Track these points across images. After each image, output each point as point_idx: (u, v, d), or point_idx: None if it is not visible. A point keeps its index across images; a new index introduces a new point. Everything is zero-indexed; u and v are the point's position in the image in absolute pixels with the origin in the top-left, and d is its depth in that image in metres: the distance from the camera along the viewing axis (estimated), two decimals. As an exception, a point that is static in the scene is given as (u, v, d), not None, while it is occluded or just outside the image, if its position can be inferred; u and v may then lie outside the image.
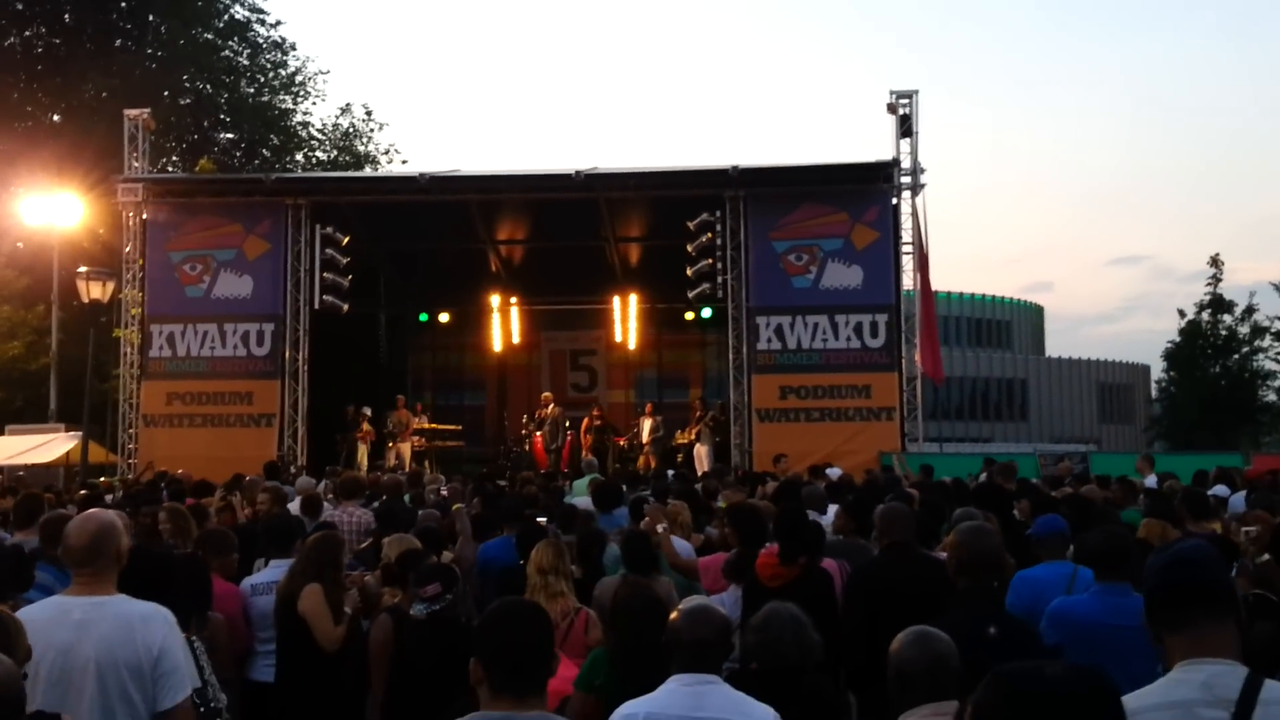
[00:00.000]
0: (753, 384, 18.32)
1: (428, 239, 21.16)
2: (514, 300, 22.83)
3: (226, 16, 34.83)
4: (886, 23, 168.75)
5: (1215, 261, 40.43)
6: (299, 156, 36.24)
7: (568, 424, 20.41)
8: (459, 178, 19.86)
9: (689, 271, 18.74)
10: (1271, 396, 40.63)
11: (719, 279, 18.46)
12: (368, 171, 34.62)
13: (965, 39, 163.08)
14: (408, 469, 17.30)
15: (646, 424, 20.21)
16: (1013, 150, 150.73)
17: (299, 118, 37.04)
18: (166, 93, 31.15)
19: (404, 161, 38.27)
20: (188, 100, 33.23)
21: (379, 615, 5.58)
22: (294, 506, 9.77)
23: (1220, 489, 11.08)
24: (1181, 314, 41.26)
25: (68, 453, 19.84)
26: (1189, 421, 39.39)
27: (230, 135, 35.55)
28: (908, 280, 18.76)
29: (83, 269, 18.20)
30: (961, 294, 56.97)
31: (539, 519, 7.70)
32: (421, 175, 19.12)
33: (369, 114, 38.12)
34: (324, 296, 19.09)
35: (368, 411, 20.05)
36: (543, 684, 2.68)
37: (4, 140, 29.50)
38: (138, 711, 3.60)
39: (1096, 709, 1.97)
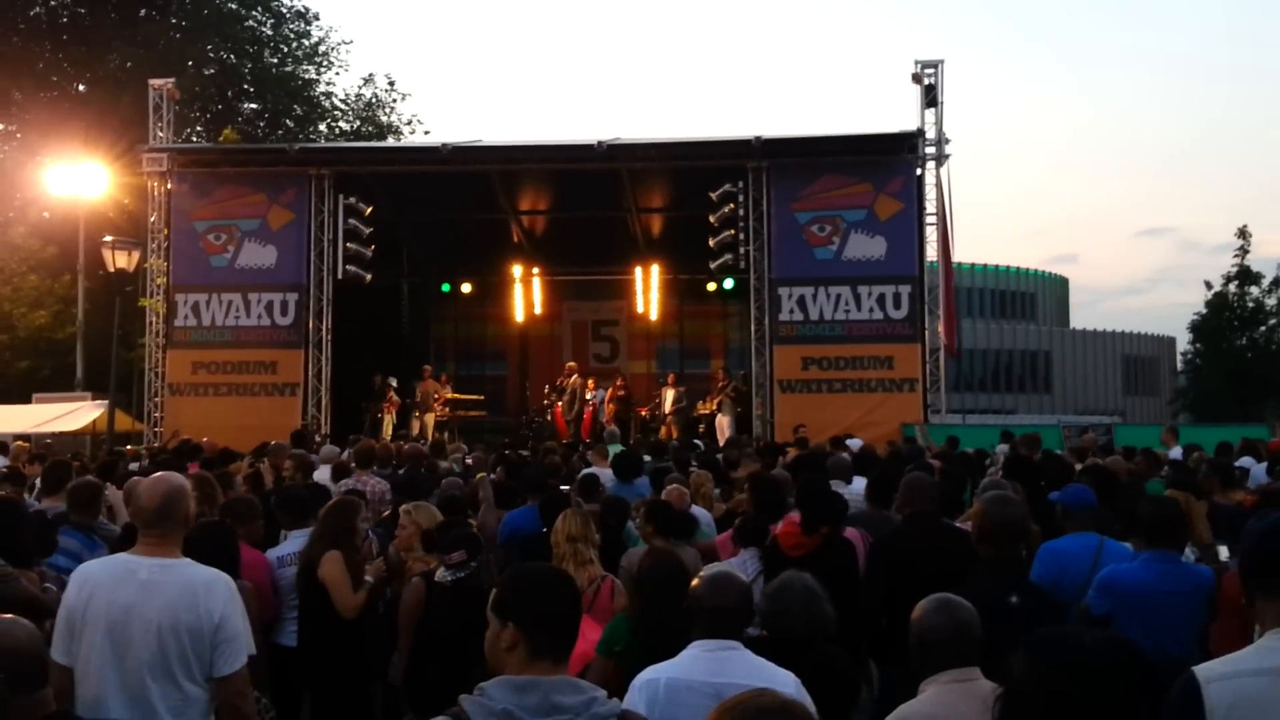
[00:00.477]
0: (774, 355, 18.28)
1: (450, 209, 21.15)
2: (536, 270, 22.86)
3: (249, -15, 34.84)
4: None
5: (1243, 233, 40.07)
6: (322, 127, 36.30)
7: (588, 395, 20.46)
8: (481, 148, 19.83)
9: (711, 242, 18.68)
10: (1298, 369, 40.27)
11: (741, 250, 18.38)
12: (391, 142, 34.60)
13: (991, 8, 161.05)
14: (430, 439, 17.41)
15: (669, 394, 20.27)
16: (1039, 121, 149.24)
17: (322, 88, 37.18)
18: (191, 63, 31.21)
19: (427, 132, 38.34)
20: (212, 70, 33.27)
21: (412, 579, 5.64)
22: (321, 475, 9.88)
23: (1246, 461, 10.99)
24: (1208, 286, 40.97)
25: (94, 421, 20.03)
26: (1214, 394, 39.12)
27: (254, 105, 35.64)
28: (931, 251, 18.63)
29: (108, 238, 18.29)
30: (986, 266, 56.55)
31: (562, 488, 7.75)
32: (444, 145, 19.09)
33: (392, 84, 38.09)
34: (347, 266, 19.15)
35: (393, 382, 20.15)
36: (570, 648, 2.69)
37: (30, 110, 29.68)
38: (194, 675, 3.65)
39: (1129, 677, 2.00)
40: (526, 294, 22.97)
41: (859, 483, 8.17)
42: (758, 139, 18.14)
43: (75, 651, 3.61)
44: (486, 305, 23.88)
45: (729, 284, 20.61)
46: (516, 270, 22.71)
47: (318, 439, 15.63)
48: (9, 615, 2.83)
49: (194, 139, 29.36)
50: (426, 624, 5.30)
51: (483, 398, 22.61)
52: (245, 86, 35.18)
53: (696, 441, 16.84)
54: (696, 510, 7.57)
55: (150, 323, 19.65)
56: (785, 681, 3.33)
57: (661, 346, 23.99)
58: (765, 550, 5.93)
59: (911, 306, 18.18)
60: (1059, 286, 63.98)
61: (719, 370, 20.81)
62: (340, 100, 37.43)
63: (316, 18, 36.63)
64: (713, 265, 18.99)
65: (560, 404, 20.51)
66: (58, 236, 27.12)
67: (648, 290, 22.14)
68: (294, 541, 6.32)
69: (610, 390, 20.60)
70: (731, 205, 18.42)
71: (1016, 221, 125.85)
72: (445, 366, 23.80)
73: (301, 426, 17.22)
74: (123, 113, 25.80)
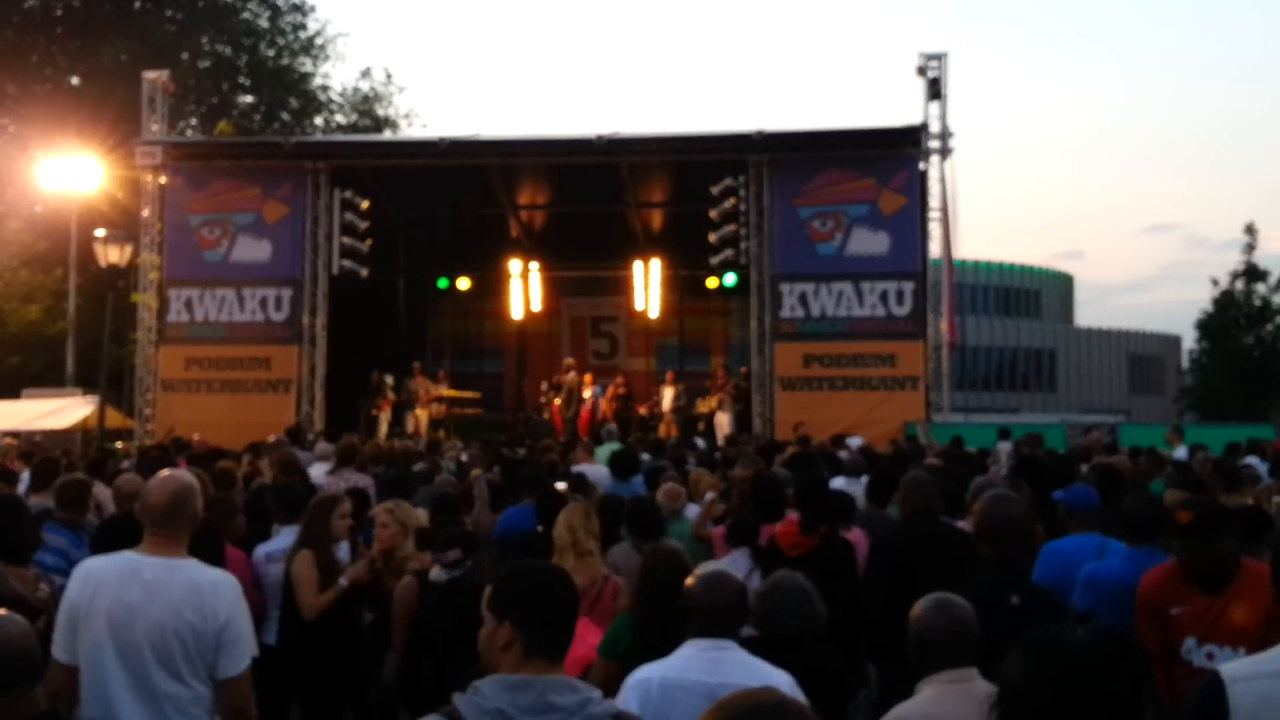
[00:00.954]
0: (775, 352, 18.11)
1: (448, 204, 21.00)
2: (534, 266, 22.69)
3: (246, -23, 34.74)
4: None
5: (1250, 230, 39.98)
6: (318, 120, 36.29)
7: (586, 392, 20.30)
8: (479, 142, 19.69)
9: (711, 237, 18.53)
10: (1304, 367, 40.14)
11: (742, 245, 18.25)
12: (388, 135, 34.48)
13: (996, 1, 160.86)
14: (423, 436, 17.26)
15: (668, 392, 20.12)
16: (1044, 116, 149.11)
17: (318, 81, 37.18)
18: (186, 55, 31.18)
19: (424, 126, 38.37)
20: (207, 63, 33.26)
21: (404, 578, 5.59)
22: (316, 472, 9.72)
23: (1252, 460, 10.83)
24: (1214, 283, 40.93)
25: (85, 418, 19.91)
26: (1220, 392, 38.98)
27: (249, 98, 35.61)
28: (935, 247, 18.47)
29: (101, 232, 18.13)
30: (989, 262, 56.36)
31: (558, 486, 7.67)
32: (441, 139, 18.96)
33: (389, 78, 38.20)
34: (343, 261, 19.03)
35: (390, 379, 20.00)
36: (565, 648, 2.67)
37: (23, 103, 29.58)
38: (198, 673, 3.65)
39: (1118, 670, 2.03)
40: (524, 290, 22.81)
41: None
42: (759, 133, 17.98)
43: (77, 649, 3.62)
44: (484, 301, 23.70)
45: (730, 280, 20.43)
46: (514, 266, 22.54)
47: (311, 436, 15.49)
48: (3, 611, 2.81)
49: (189, 132, 29.28)
50: (421, 623, 5.29)
51: (479, 395, 22.45)
52: (241, 79, 35.16)
53: (697, 440, 16.68)
54: (692, 508, 7.45)
55: (142, 318, 19.52)
56: (780, 681, 3.29)
57: (661, 343, 23.85)
58: (758, 550, 5.85)
59: (915, 303, 18.01)
60: (1063, 283, 63.79)
61: (719, 368, 20.67)
62: (337, 93, 37.55)
63: (313, 10, 36.93)
64: (713, 261, 18.84)
65: (558, 401, 20.35)
66: (50, 231, 27.01)
67: (647, 286, 21.95)
68: (283, 538, 6.27)
69: (611, 388, 20.44)
70: (732, 200, 18.27)
71: (1021, 217, 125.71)
72: (442, 363, 23.66)
73: (295, 424, 17.09)
74: (117, 106, 25.70)
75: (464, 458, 12.06)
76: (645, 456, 10.88)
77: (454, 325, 24.81)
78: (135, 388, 19.79)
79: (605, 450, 11.15)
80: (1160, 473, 9.71)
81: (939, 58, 18.43)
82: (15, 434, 16.85)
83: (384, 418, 19.81)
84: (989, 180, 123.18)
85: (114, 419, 19.94)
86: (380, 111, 37.46)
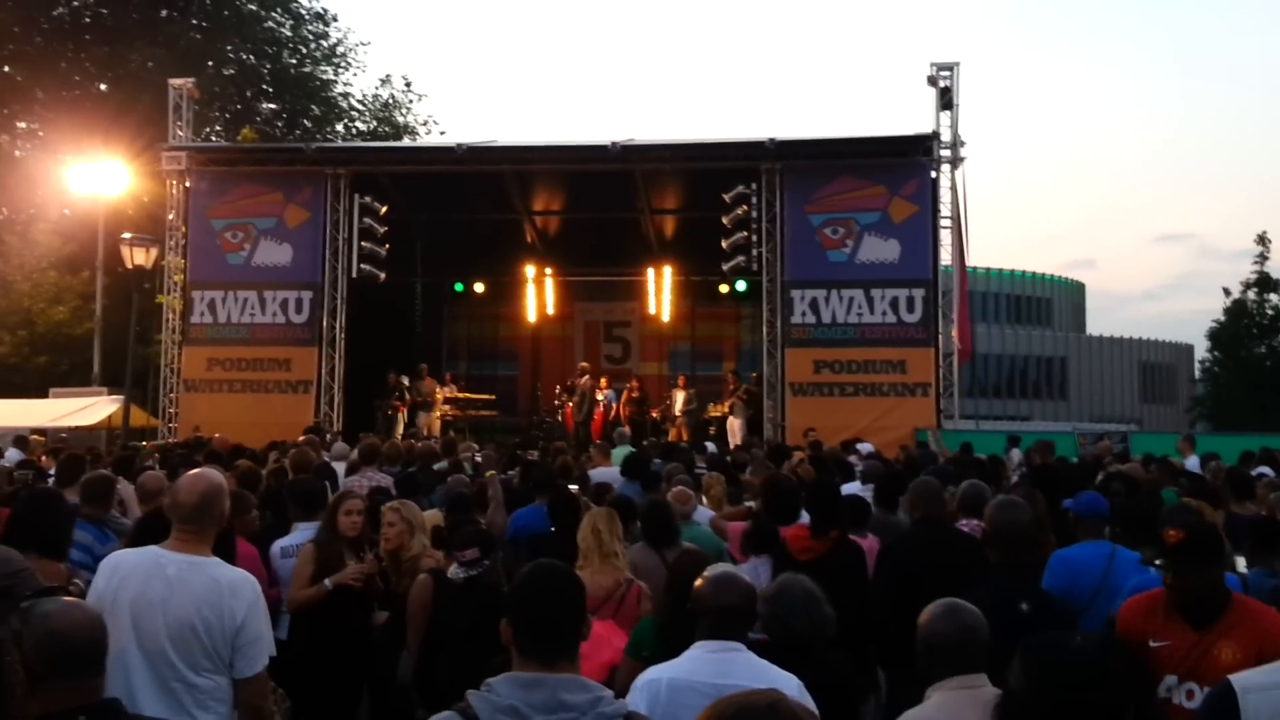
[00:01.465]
0: (786, 358, 18.25)
1: (464, 209, 21.23)
2: (549, 271, 22.90)
3: (270, -13, 35.02)
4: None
5: (1262, 239, 39.89)
6: (339, 127, 36.51)
7: (599, 395, 20.47)
8: (496, 148, 19.87)
9: (724, 244, 18.68)
10: (1318, 376, 39.99)
11: (754, 251, 18.38)
12: (406, 142, 34.72)
13: (1007, 11, 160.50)
14: (433, 437, 17.45)
15: (679, 396, 20.27)
16: (1056, 125, 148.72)
17: (339, 88, 37.42)
18: (211, 63, 31.39)
19: (442, 132, 38.60)
20: (231, 70, 33.45)
21: (419, 576, 5.60)
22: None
23: (1264, 470, 10.91)
24: (1227, 293, 40.81)
25: (110, 416, 20.18)
26: (1233, 402, 38.85)
27: (272, 105, 35.84)
28: (945, 255, 18.57)
29: (126, 235, 18.42)
30: (1001, 270, 56.32)
31: (570, 488, 7.75)
32: (459, 146, 19.15)
33: (408, 85, 38.29)
34: (362, 265, 19.26)
35: (406, 380, 20.23)
36: (572, 649, 2.67)
37: (52, 109, 29.87)
38: (218, 669, 3.70)
39: (1117, 678, 2.03)
40: (539, 294, 23.01)
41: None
42: (771, 140, 18.12)
43: None
44: (499, 305, 23.93)
45: (741, 286, 20.57)
46: (529, 270, 22.76)
47: (328, 437, 15.71)
48: (72, 599, 2.85)
49: (213, 138, 29.52)
50: (437, 621, 5.29)
51: (493, 397, 22.64)
52: (264, 86, 35.39)
53: (707, 444, 16.82)
54: (701, 511, 7.58)
55: (166, 319, 19.78)
56: (788, 685, 3.30)
57: (673, 348, 23.99)
58: (776, 556, 5.87)
59: (925, 310, 18.12)
60: (1075, 292, 63.65)
61: (730, 373, 20.79)
62: (357, 101, 37.72)
63: (335, 19, 37.02)
64: (725, 267, 18.99)
65: (571, 404, 20.52)
66: (78, 234, 27.29)
67: (660, 291, 22.14)
68: (300, 533, 6.34)
69: (625, 392, 20.61)
70: (745, 207, 18.41)
71: (1032, 226, 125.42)
72: (457, 366, 23.88)
73: (314, 423, 17.31)
74: (143, 112, 25.95)
75: (479, 458, 12.21)
76: (655, 460, 10.99)
77: (469, 328, 25.01)
78: (159, 387, 20.05)
79: (619, 453, 11.30)
80: (1171, 481, 9.76)
81: (950, 68, 18.54)
82: (43, 431, 17.14)
83: (400, 419, 20.03)
84: (1001, 188, 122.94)
85: (138, 418, 20.21)
86: (399, 118, 37.71)
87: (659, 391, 21.97)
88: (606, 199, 20.45)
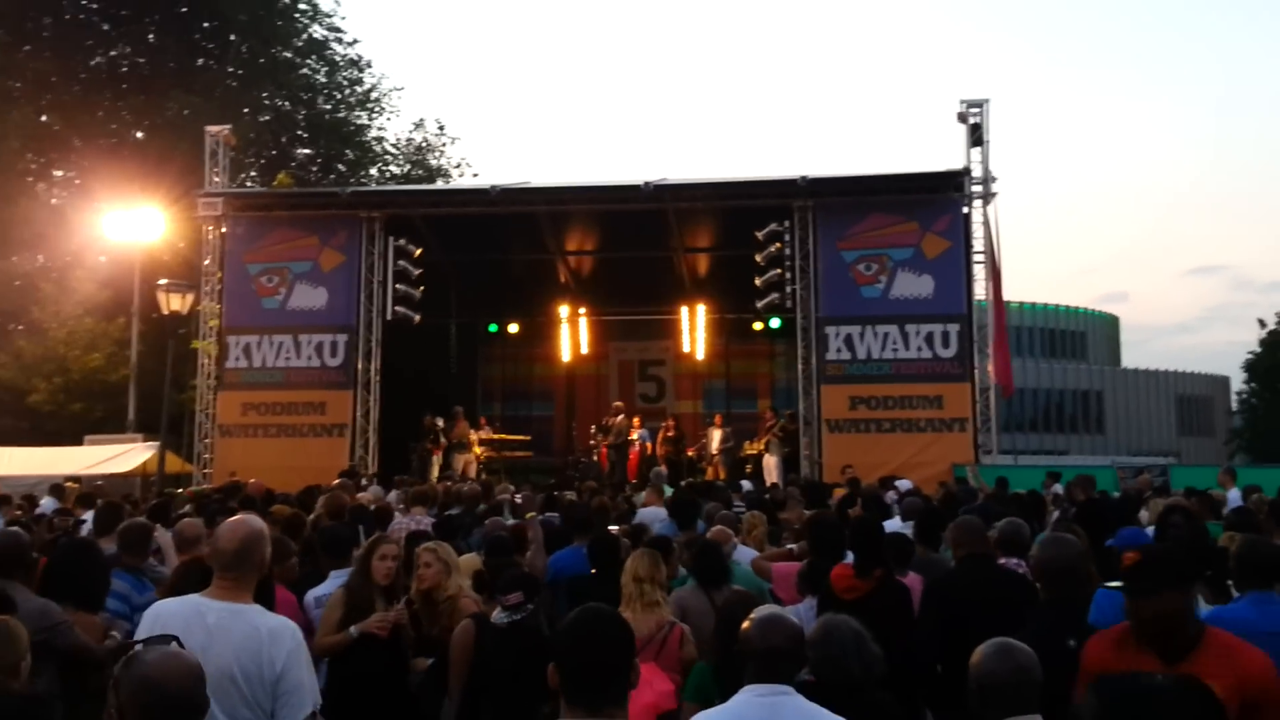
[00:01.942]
0: (822, 394, 18.17)
1: (498, 250, 21.36)
2: (582, 311, 22.96)
3: (305, 35, 35.65)
4: (958, 30, 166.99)
5: (1299, 270, 39.33)
6: (373, 171, 36.95)
7: (633, 435, 20.42)
8: (529, 189, 20.02)
9: (757, 281, 18.67)
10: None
11: (788, 289, 18.37)
12: (440, 185, 35.07)
13: (1036, 47, 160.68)
14: (468, 479, 17.44)
15: (715, 435, 20.19)
16: (1087, 158, 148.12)
17: (374, 133, 37.89)
18: (246, 110, 31.91)
19: (475, 175, 38.89)
20: (267, 117, 33.98)
21: (463, 621, 5.54)
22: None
23: (1308, 502, 10.69)
24: (1262, 324, 40.42)
25: (145, 463, 20.22)
26: (1272, 433, 38.30)
27: (307, 151, 36.34)
28: (979, 290, 18.49)
29: (163, 281, 18.65)
30: (1035, 304, 55.98)
31: (610, 529, 7.70)
32: (492, 188, 19.32)
33: (441, 129, 39.03)
34: (396, 308, 19.37)
35: (440, 422, 20.28)
36: (619, 696, 2.62)
37: (89, 157, 30.40)
38: (260, 717, 3.64)
39: (1198, 715, 1.96)
40: (573, 334, 23.07)
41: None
42: (804, 178, 18.17)
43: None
44: (533, 346, 23.99)
45: (775, 323, 20.52)
46: (563, 311, 22.83)
47: (364, 481, 15.73)
48: (173, 648, 2.78)
49: (248, 184, 29.93)
50: (480, 666, 5.22)
51: (529, 438, 22.63)
52: (299, 132, 35.92)
53: (743, 482, 16.74)
54: (742, 550, 7.52)
55: (202, 364, 19.96)
56: None
57: (708, 386, 23.94)
58: (821, 596, 5.81)
59: (960, 345, 18.01)
60: (1109, 325, 63.15)
61: (766, 410, 20.70)
62: (391, 145, 38.21)
63: (369, 65, 37.64)
64: (759, 304, 18.98)
65: (606, 444, 20.49)
66: (114, 280, 27.62)
67: (694, 330, 22.13)
68: (333, 581, 6.26)
69: (661, 431, 20.56)
70: (778, 244, 18.42)
71: (1065, 260, 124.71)
72: (492, 406, 23.93)
73: (350, 467, 17.34)
74: (180, 159, 26.36)
75: (519, 499, 12.18)
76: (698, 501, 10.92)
77: (504, 369, 25.07)
78: (194, 433, 20.18)
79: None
80: (1212, 515, 9.61)
81: (980, 104, 18.57)
82: (77, 479, 17.27)
83: (436, 461, 20.04)
84: (1033, 223, 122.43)
85: (173, 464, 20.31)
86: (433, 161, 38.12)
87: (694, 430, 21.91)
88: (640, 238, 20.52)
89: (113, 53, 33.52)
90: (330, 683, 5.72)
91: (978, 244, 18.40)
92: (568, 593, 6.91)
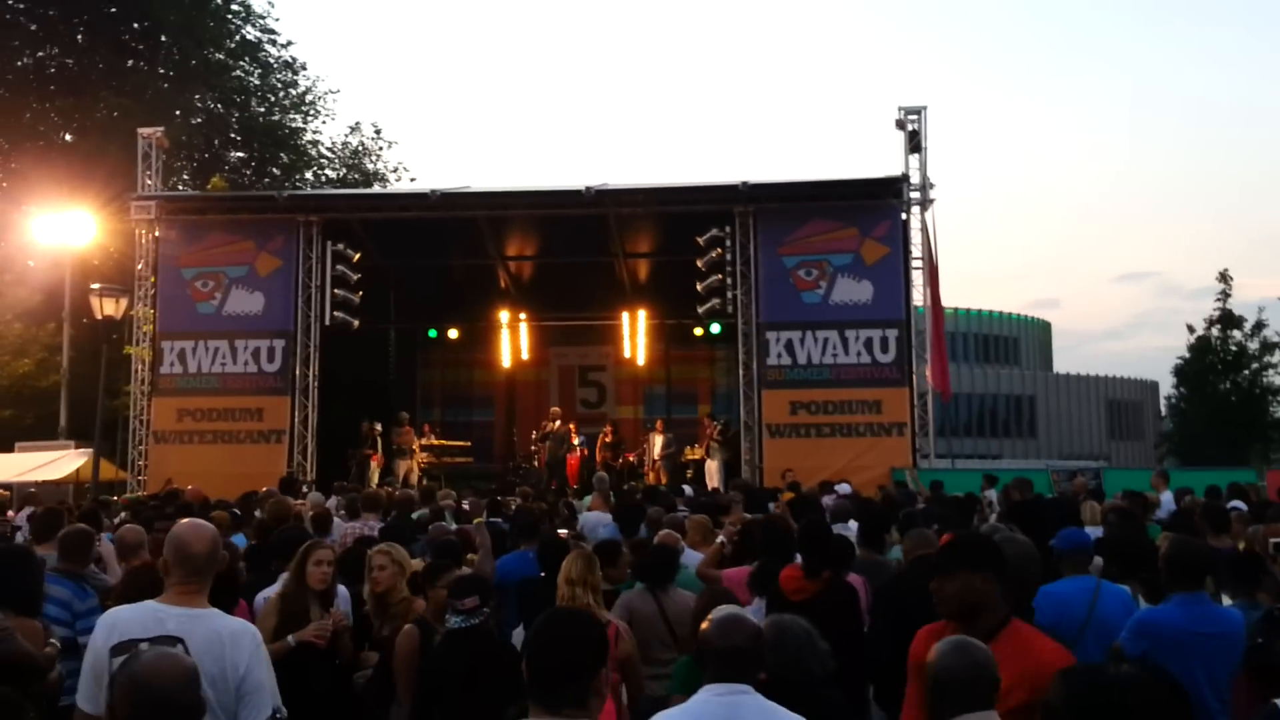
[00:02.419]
0: (763, 399, 18.30)
1: (438, 255, 21.22)
2: (523, 316, 22.91)
3: (238, 37, 35.05)
4: (894, 39, 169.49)
5: (1224, 277, 40.56)
6: (309, 175, 36.47)
7: (574, 440, 20.41)
8: (469, 194, 19.91)
9: (698, 287, 18.76)
10: (1282, 412, 40.63)
11: (728, 294, 18.48)
12: (378, 189, 34.75)
13: (973, 55, 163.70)
14: (411, 485, 17.32)
15: (657, 440, 20.25)
16: (1018, 165, 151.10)
17: (309, 136, 37.35)
18: (178, 112, 31.30)
19: (412, 179, 38.63)
20: (199, 119, 33.37)
21: (405, 626, 5.48)
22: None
23: (1237, 504, 11.02)
24: (1190, 330, 41.33)
25: (78, 470, 19.83)
26: (1199, 437, 39.31)
27: (241, 154, 35.78)
28: (918, 295, 18.76)
29: (96, 286, 18.26)
30: (969, 310, 56.88)
31: (560, 532, 7.73)
32: (432, 192, 19.19)
33: (378, 132, 38.41)
34: (334, 313, 19.15)
35: (379, 427, 20.08)
36: (582, 697, 2.63)
37: (17, 159, 29.67)
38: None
39: (1159, 706, 1.97)
40: (513, 340, 23.00)
41: (854, 525, 8.17)
42: (744, 184, 18.29)
43: (101, 699, 3.49)
44: (473, 351, 23.88)
45: (716, 329, 20.66)
46: (503, 316, 22.77)
47: (304, 489, 15.53)
48: (166, 649, 2.78)
49: (180, 187, 29.42)
50: (432, 670, 5.11)
51: (469, 444, 22.51)
52: (232, 135, 35.33)
53: (685, 487, 16.81)
54: (690, 553, 7.55)
55: (136, 370, 19.56)
56: None
57: (649, 391, 24.01)
58: (769, 597, 5.88)
59: (899, 350, 18.26)
60: (1042, 330, 64.39)
61: (706, 416, 20.80)
62: (326, 148, 37.72)
63: (304, 67, 37.02)
64: (700, 310, 19.05)
65: (545, 449, 20.45)
66: (44, 285, 27.03)
67: (635, 335, 22.19)
68: (280, 584, 6.12)
69: (600, 437, 20.56)
70: (719, 250, 18.52)
71: (998, 266, 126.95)
72: (431, 412, 23.76)
73: (288, 473, 17.10)
74: (110, 161, 25.81)
75: (465, 505, 12.13)
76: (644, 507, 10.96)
77: (444, 374, 24.92)
78: (128, 439, 19.77)
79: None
80: (1147, 516, 9.85)
81: (918, 111, 18.85)
82: (8, 486, 16.83)
83: (375, 467, 19.85)
84: (967, 229, 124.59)
85: (107, 471, 19.90)
86: (369, 165, 37.75)
87: (635, 435, 21.96)
88: (580, 243, 20.52)
89: (40, 53, 32.65)
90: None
91: (916, 250, 18.67)
92: (517, 596, 6.93)
